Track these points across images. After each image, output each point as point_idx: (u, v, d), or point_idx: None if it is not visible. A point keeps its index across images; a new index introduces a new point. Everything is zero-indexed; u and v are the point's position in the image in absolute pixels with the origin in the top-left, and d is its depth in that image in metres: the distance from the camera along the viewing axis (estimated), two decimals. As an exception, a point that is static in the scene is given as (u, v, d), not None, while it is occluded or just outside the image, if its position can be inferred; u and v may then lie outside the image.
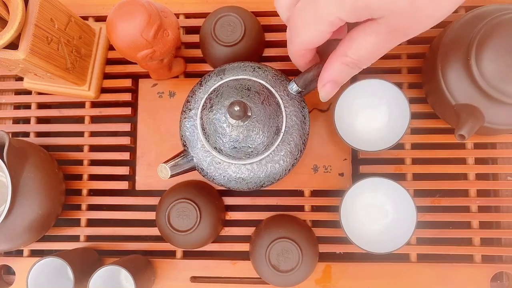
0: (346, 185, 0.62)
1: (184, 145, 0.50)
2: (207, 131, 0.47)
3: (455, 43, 0.52)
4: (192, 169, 0.50)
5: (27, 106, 0.68)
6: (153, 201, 0.63)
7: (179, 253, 0.63)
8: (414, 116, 0.60)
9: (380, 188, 0.57)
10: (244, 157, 0.47)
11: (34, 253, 0.65)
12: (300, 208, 0.62)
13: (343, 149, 0.62)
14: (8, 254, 0.64)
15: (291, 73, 0.66)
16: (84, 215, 0.64)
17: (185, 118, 0.50)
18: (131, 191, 0.65)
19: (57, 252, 0.56)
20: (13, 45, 0.49)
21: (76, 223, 0.65)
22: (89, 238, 0.65)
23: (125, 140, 0.65)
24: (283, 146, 0.48)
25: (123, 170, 0.65)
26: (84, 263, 0.57)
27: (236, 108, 0.42)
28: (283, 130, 0.48)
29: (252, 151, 0.47)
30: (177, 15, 0.66)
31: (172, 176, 0.47)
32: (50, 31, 0.53)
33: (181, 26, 0.65)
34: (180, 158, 0.49)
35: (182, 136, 0.51)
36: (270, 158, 0.48)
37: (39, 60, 0.52)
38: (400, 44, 0.62)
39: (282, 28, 0.65)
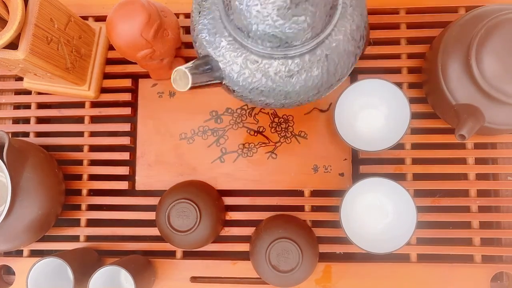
0: (346, 185, 0.62)
1: (204, 52, 0.37)
2: (236, 9, 0.32)
3: (455, 43, 0.52)
4: (218, 79, 0.36)
5: (27, 106, 0.68)
6: (153, 201, 0.63)
7: (179, 253, 0.63)
8: (414, 116, 0.60)
9: (380, 188, 0.57)
10: (290, 42, 0.32)
11: (34, 253, 0.65)
12: (300, 208, 0.62)
13: (343, 149, 0.62)
14: (8, 254, 0.64)
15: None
16: (84, 215, 0.64)
17: (199, 13, 0.37)
18: (131, 191, 0.65)
19: (57, 252, 0.56)
20: (13, 45, 0.49)
21: (76, 223, 0.65)
22: (89, 238, 0.65)
23: (125, 140, 0.65)
24: (342, 26, 0.34)
25: (123, 170, 0.65)
26: (84, 263, 0.57)
27: None
28: (340, 3, 0.34)
29: (303, 29, 0.31)
30: (177, 15, 0.66)
31: (192, 87, 0.34)
32: (50, 31, 0.53)
33: (181, 26, 0.65)
34: (201, 61, 0.36)
35: (197, 43, 0.38)
36: (327, 45, 0.34)
37: (38, 60, 0.52)
38: (400, 44, 0.63)
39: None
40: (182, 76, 0.34)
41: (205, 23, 0.36)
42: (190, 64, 0.35)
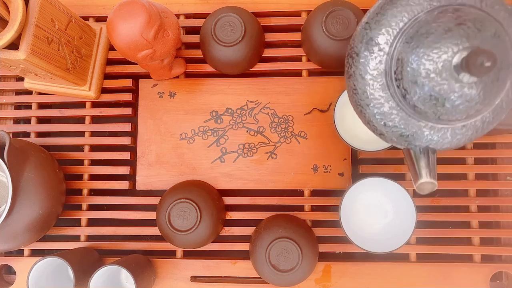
0: (346, 185, 0.62)
1: (403, 144, 0.40)
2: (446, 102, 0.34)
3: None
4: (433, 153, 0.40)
5: (28, 106, 0.68)
6: (153, 201, 0.63)
7: (179, 253, 0.63)
8: (414, 116, 0.60)
9: (380, 188, 0.57)
10: (467, 118, 0.36)
11: (35, 253, 0.65)
12: (300, 208, 0.62)
13: (343, 149, 0.62)
14: (8, 254, 0.64)
15: (292, 73, 0.66)
16: (85, 215, 0.64)
17: (374, 108, 0.39)
18: (132, 191, 0.65)
19: (57, 252, 0.56)
20: (13, 45, 0.49)
21: (76, 223, 0.65)
22: (90, 238, 0.65)
23: (126, 140, 0.65)
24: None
25: (124, 170, 0.65)
26: (85, 263, 0.57)
27: (484, 60, 0.29)
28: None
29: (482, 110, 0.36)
30: (178, 16, 0.66)
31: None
32: (51, 32, 0.53)
33: (181, 27, 0.66)
34: (423, 160, 0.38)
35: (393, 140, 0.40)
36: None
37: (39, 61, 0.52)
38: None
39: (282, 29, 0.65)
40: (431, 185, 0.37)
41: (396, 125, 0.38)
42: (423, 171, 0.38)
